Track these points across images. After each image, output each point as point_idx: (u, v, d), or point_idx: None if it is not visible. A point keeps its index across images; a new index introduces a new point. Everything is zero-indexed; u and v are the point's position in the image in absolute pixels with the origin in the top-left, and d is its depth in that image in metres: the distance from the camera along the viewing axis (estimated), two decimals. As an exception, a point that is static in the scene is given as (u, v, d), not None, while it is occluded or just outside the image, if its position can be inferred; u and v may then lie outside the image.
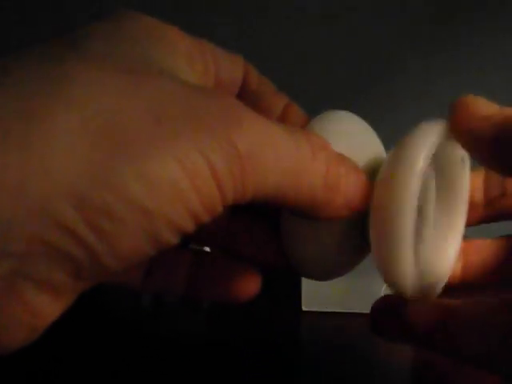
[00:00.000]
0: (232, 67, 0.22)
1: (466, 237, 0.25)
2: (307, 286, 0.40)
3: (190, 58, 0.20)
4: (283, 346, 0.36)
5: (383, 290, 0.39)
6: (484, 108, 0.20)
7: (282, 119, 0.23)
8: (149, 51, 0.18)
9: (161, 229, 0.16)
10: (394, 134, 0.22)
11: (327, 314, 0.40)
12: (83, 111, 0.15)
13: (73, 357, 0.34)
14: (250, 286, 0.24)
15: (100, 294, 0.40)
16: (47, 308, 0.16)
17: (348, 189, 0.20)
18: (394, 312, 0.22)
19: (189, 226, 0.17)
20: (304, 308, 0.40)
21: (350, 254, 0.23)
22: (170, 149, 0.16)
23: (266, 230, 0.24)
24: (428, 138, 0.20)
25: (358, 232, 0.22)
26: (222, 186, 0.17)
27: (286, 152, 0.18)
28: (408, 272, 0.20)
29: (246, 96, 0.23)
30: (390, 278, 0.21)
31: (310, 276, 0.24)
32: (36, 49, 0.17)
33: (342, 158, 0.20)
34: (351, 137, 0.22)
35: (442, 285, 0.23)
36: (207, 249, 0.27)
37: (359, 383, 0.32)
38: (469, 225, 0.25)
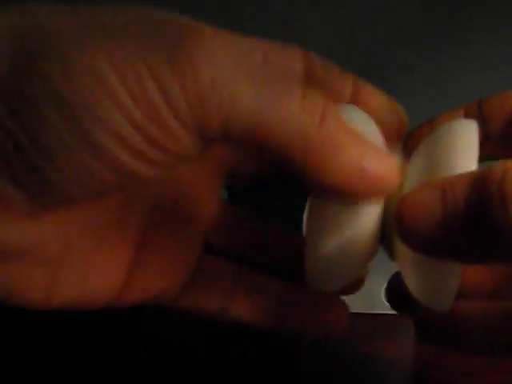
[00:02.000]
0: (288, 62, 0.20)
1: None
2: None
3: None
4: (283, 346, 0.36)
5: (383, 290, 0.39)
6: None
7: (353, 99, 0.21)
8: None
9: (90, 127, 0.15)
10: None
11: (327, 314, 0.40)
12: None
13: (72, 356, 0.34)
14: (340, 318, 0.23)
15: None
16: None
17: (365, 152, 0.18)
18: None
19: (133, 137, 0.15)
20: (304, 308, 0.40)
21: (364, 260, 0.22)
22: (105, 49, 0.15)
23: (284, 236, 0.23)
24: (474, 140, 0.20)
25: (376, 235, 0.21)
26: (170, 100, 0.15)
27: (268, 86, 0.16)
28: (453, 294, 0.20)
29: (314, 85, 0.21)
30: (433, 302, 0.21)
31: (323, 283, 0.23)
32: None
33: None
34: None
35: None
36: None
37: (359, 383, 0.32)
38: None
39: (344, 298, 0.41)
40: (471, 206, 0.17)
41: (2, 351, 0.32)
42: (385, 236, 0.21)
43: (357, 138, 0.18)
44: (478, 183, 0.17)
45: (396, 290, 0.25)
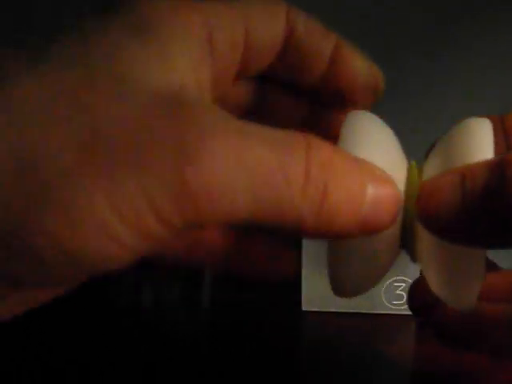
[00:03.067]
0: (270, 25, 0.20)
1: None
2: (307, 285, 0.40)
3: (204, 41, 0.18)
4: (283, 346, 0.36)
5: (383, 290, 0.39)
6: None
7: (333, 59, 0.21)
8: (146, 42, 0.17)
9: (89, 269, 0.16)
10: (396, 135, 0.21)
11: (327, 313, 0.40)
12: (5, 143, 0.15)
13: (72, 356, 0.34)
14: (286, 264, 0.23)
15: (99, 293, 0.40)
16: None
17: (365, 207, 0.17)
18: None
19: (126, 259, 0.16)
20: (304, 308, 0.40)
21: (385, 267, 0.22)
22: (100, 184, 0.15)
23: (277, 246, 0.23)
24: (490, 136, 0.20)
25: (397, 239, 0.21)
26: (165, 218, 0.15)
27: (265, 178, 0.16)
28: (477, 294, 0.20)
29: (293, 47, 0.21)
30: (456, 302, 0.21)
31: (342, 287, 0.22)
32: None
33: (362, 168, 0.18)
34: (382, 145, 0.21)
35: None
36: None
37: (359, 383, 0.32)
38: None
39: (344, 298, 0.41)
40: (490, 190, 0.17)
41: (2, 348, 0.32)
42: (406, 239, 0.21)
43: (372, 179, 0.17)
44: (497, 167, 0.17)
45: (418, 297, 0.26)
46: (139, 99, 0.16)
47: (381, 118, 0.21)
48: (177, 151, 0.15)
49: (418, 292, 0.26)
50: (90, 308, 0.38)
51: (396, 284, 0.39)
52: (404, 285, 0.39)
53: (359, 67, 0.22)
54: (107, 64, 0.16)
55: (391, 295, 0.34)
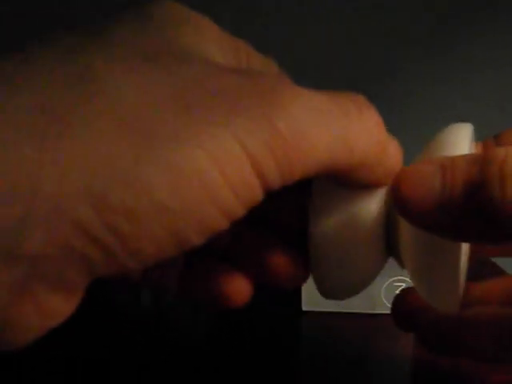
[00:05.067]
0: (265, 69, 0.21)
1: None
2: (307, 285, 0.40)
3: (221, 48, 0.19)
4: (283, 346, 0.36)
5: (383, 290, 0.39)
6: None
7: None
8: (179, 38, 0.17)
9: (187, 230, 0.15)
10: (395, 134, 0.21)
11: (327, 313, 0.40)
12: (101, 105, 0.14)
13: (71, 355, 0.34)
14: (242, 291, 0.22)
15: (99, 293, 0.40)
16: (60, 308, 0.15)
17: (394, 152, 0.19)
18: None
19: (221, 223, 0.15)
20: (304, 308, 0.40)
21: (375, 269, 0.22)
22: (199, 138, 0.15)
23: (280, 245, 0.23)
24: (466, 138, 0.20)
25: (382, 244, 0.21)
26: (264, 173, 0.15)
27: (334, 121, 0.17)
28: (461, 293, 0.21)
29: None
30: (442, 303, 0.21)
31: (330, 291, 0.23)
32: (60, 38, 0.16)
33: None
34: None
35: None
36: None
37: (359, 383, 0.32)
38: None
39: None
40: (470, 184, 0.17)
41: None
42: (392, 246, 0.21)
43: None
44: (480, 162, 0.17)
45: (401, 310, 0.26)
46: (206, 63, 0.16)
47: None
48: (262, 99, 0.16)
49: (402, 303, 0.26)
50: (90, 308, 0.38)
51: (396, 284, 0.39)
52: (404, 285, 0.39)
53: None
54: (174, 40, 0.17)
55: (391, 295, 0.34)
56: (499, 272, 0.42)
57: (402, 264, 0.22)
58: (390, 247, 0.22)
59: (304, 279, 0.23)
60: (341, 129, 0.17)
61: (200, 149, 0.14)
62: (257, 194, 0.16)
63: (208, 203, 0.15)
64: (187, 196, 0.14)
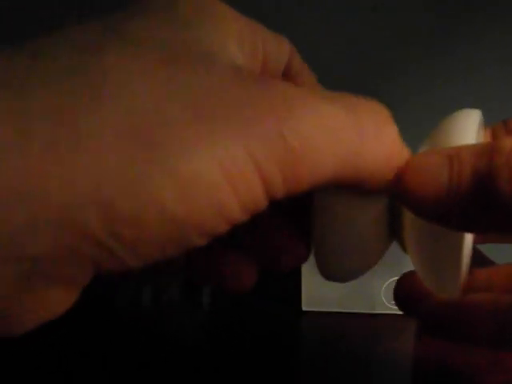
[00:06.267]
0: (279, 50, 0.21)
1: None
2: (307, 285, 0.40)
3: (240, 39, 0.19)
4: (283, 346, 0.36)
5: (383, 290, 0.39)
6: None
7: None
8: (196, 32, 0.17)
9: (191, 236, 0.15)
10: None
11: (327, 313, 0.40)
12: (113, 112, 0.14)
13: (71, 354, 0.34)
14: (246, 273, 0.23)
15: (99, 291, 0.40)
16: (61, 301, 0.16)
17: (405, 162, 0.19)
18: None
19: (224, 229, 0.16)
20: (304, 308, 0.40)
21: (377, 253, 0.22)
22: (210, 150, 0.15)
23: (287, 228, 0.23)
24: (474, 126, 0.20)
25: (385, 228, 0.21)
26: (272, 189, 0.16)
27: (345, 134, 0.17)
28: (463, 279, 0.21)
29: (288, 75, 0.22)
30: (443, 289, 0.21)
31: (332, 273, 0.23)
32: (73, 31, 0.16)
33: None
34: None
35: None
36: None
37: (359, 383, 0.32)
38: None
39: (344, 298, 0.41)
40: (478, 175, 0.17)
41: (1, 345, 0.32)
42: (396, 229, 0.21)
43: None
44: (487, 154, 0.17)
45: (404, 292, 0.26)
46: (224, 70, 0.16)
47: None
48: (273, 110, 0.16)
49: (404, 287, 0.26)
50: (90, 308, 0.38)
51: (396, 284, 0.39)
52: (404, 285, 0.39)
53: None
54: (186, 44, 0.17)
55: (391, 295, 0.34)
56: (484, 260, 0.42)
57: (404, 247, 0.22)
58: (394, 230, 0.21)
59: (305, 259, 0.23)
60: (353, 148, 0.17)
61: (211, 161, 0.15)
62: (262, 206, 0.16)
63: (215, 214, 0.15)
64: (195, 206, 0.15)
